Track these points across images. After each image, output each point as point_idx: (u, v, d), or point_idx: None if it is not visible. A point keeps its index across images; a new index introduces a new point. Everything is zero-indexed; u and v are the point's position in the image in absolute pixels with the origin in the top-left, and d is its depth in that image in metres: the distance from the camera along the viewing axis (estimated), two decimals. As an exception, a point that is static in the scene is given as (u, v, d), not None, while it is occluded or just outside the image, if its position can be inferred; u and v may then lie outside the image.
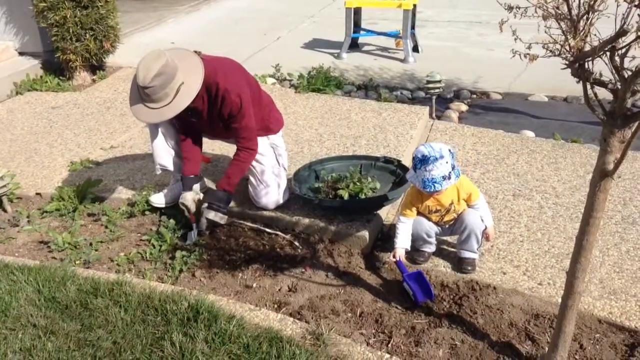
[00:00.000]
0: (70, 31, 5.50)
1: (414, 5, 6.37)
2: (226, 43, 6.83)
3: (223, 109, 3.12)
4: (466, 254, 2.98)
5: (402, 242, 2.95)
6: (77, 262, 3.15)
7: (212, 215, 3.19)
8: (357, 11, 6.66)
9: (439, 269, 3.02)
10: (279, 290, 2.92)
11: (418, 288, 2.77)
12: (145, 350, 2.39)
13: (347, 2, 6.40)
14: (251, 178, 3.38)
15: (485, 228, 2.94)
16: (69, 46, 5.59)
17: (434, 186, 2.75)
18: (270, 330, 2.49)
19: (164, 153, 3.41)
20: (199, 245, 3.20)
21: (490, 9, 8.51)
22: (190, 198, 3.25)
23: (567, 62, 1.87)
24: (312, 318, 2.70)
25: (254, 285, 2.95)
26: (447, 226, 3.04)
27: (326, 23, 7.90)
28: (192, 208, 3.25)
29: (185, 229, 3.33)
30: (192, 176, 3.30)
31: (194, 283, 2.98)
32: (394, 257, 2.92)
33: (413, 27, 6.52)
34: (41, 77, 5.90)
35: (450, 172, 2.75)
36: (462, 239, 2.97)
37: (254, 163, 3.37)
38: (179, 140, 3.34)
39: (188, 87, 2.95)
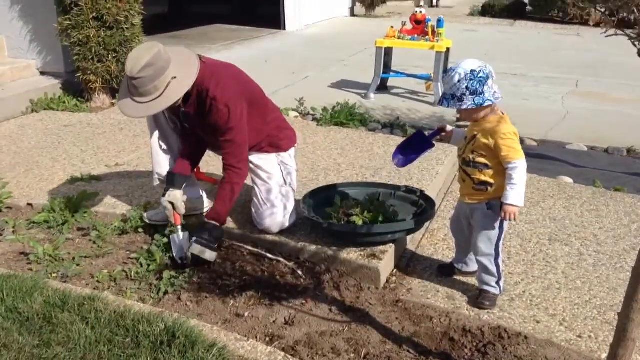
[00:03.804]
0: (93, 51, 5.37)
1: (447, 49, 6.13)
2: (253, 78, 6.66)
3: (210, 118, 2.85)
4: (484, 287, 2.63)
5: (459, 131, 2.75)
6: (53, 274, 2.82)
7: (197, 250, 2.78)
8: (388, 52, 6.45)
9: (461, 311, 2.61)
10: (274, 322, 2.54)
11: (409, 148, 2.79)
12: (105, 374, 2.02)
13: (378, 42, 6.19)
14: (254, 198, 3.06)
15: (502, 205, 2.46)
16: (90, 66, 5.44)
17: (443, 102, 2.47)
18: (255, 363, 2.10)
19: (164, 163, 3.13)
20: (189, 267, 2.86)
21: (526, 63, 8.28)
22: (179, 196, 2.91)
23: None
24: (307, 355, 2.31)
25: (246, 314, 2.58)
26: (466, 204, 2.64)
27: (356, 67, 7.73)
28: (181, 208, 2.91)
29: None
30: (181, 174, 2.97)
31: (179, 307, 2.62)
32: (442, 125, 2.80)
33: (445, 71, 6.26)
34: (59, 97, 5.75)
35: (463, 95, 2.39)
36: (477, 265, 2.68)
37: (258, 182, 3.06)
38: (181, 148, 3.06)
39: (179, 81, 2.70)
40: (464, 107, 2.42)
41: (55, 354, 2.12)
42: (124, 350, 2.14)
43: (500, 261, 2.61)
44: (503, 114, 2.53)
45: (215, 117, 2.82)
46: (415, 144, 2.82)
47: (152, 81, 2.65)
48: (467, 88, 2.39)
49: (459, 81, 2.39)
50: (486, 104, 2.42)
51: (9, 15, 5.88)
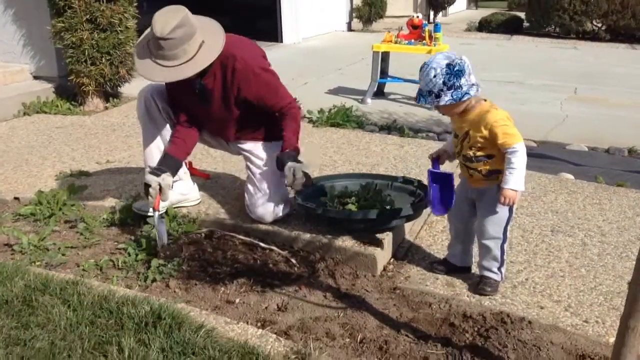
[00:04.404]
0: (86, 53, 5.28)
1: (445, 53, 6.08)
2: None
3: (245, 89, 2.75)
4: (485, 272, 2.53)
5: (447, 143, 2.67)
6: (37, 263, 2.71)
7: (306, 168, 2.73)
8: (385, 58, 6.40)
9: (461, 297, 2.50)
10: (266, 308, 2.43)
11: (437, 194, 2.45)
12: (85, 354, 1.91)
13: (375, 46, 6.15)
14: (249, 185, 2.96)
15: (502, 190, 2.38)
16: (83, 69, 5.35)
17: (420, 99, 2.36)
18: (245, 345, 1.99)
19: (156, 156, 3.02)
20: (178, 257, 2.75)
21: (524, 72, 8.24)
22: (170, 183, 2.77)
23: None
24: (301, 339, 2.19)
25: (237, 300, 2.47)
26: (474, 188, 2.54)
27: (353, 75, 7.67)
28: (167, 195, 2.79)
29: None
30: (178, 160, 2.85)
31: (166, 294, 2.51)
32: (431, 155, 2.62)
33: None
34: (52, 100, 5.67)
35: (440, 91, 2.28)
36: (479, 250, 2.58)
37: (253, 169, 2.97)
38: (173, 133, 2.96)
39: (209, 46, 2.59)
40: (442, 103, 2.33)
41: (34, 335, 2.00)
42: (107, 332, 2.02)
43: (506, 246, 2.52)
44: (485, 100, 2.45)
45: (256, 84, 2.74)
46: (437, 183, 2.54)
47: (182, 44, 2.55)
48: (444, 83, 2.28)
49: (434, 76, 2.28)
50: (465, 97, 2.33)
51: (1, 19, 5.82)
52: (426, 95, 2.33)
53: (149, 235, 2.89)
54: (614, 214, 3.40)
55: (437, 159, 2.60)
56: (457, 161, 2.65)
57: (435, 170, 2.54)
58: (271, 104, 2.84)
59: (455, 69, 2.28)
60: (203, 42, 2.60)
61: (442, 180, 2.50)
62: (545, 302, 2.47)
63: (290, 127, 2.82)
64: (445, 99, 2.30)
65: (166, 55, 2.57)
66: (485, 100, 2.44)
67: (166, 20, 2.53)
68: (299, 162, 2.72)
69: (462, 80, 2.29)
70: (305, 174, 2.71)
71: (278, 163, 2.76)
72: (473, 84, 2.33)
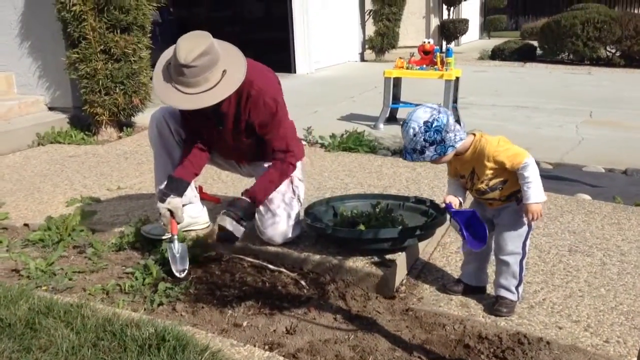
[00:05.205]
0: (100, 83, 5.34)
1: (457, 78, 6.07)
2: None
3: (253, 114, 2.72)
4: (501, 292, 2.45)
5: (450, 191, 2.54)
6: (43, 287, 2.67)
7: (227, 222, 2.68)
8: (397, 84, 6.40)
9: (476, 318, 2.41)
10: (274, 330, 2.36)
11: (469, 234, 2.33)
12: (86, 377, 1.85)
13: (387, 72, 6.15)
14: (259, 206, 2.92)
15: (524, 204, 2.33)
16: (97, 99, 5.41)
17: (406, 156, 2.33)
18: (251, 367, 1.92)
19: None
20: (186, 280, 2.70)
21: (538, 97, 8.19)
22: (179, 204, 2.75)
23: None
24: (309, 362, 2.12)
25: (245, 323, 2.40)
26: (492, 208, 2.48)
27: (365, 102, 7.68)
28: (180, 217, 2.75)
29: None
30: (182, 180, 2.82)
31: (173, 317, 2.45)
32: (443, 202, 2.49)
33: (455, 101, 6.18)
34: (66, 131, 5.71)
35: (424, 148, 2.25)
36: (496, 267, 2.49)
37: (264, 189, 2.93)
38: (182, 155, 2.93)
39: (230, 76, 2.54)
40: (427, 159, 2.32)
41: (36, 358, 1.96)
42: (109, 354, 1.97)
43: (524, 263, 2.45)
44: (474, 134, 2.41)
45: (263, 113, 2.72)
46: (462, 222, 2.41)
47: (204, 71, 2.50)
48: (425, 140, 2.27)
49: (414, 135, 2.27)
50: (449, 151, 2.31)
51: (18, 52, 5.92)
52: (411, 152, 2.32)
53: (162, 254, 2.85)
54: (633, 234, 3.30)
55: (451, 206, 2.48)
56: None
57: (456, 210, 2.44)
58: (269, 138, 2.80)
59: (434, 125, 2.26)
60: (225, 71, 2.55)
61: (466, 219, 2.40)
62: (564, 322, 2.38)
63: (267, 176, 2.81)
64: (430, 154, 2.30)
65: (188, 82, 2.51)
66: (474, 134, 2.40)
67: (191, 46, 2.48)
68: (236, 216, 2.72)
69: (444, 134, 2.28)
70: (223, 234, 2.73)
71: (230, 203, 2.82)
72: (455, 135, 2.31)
